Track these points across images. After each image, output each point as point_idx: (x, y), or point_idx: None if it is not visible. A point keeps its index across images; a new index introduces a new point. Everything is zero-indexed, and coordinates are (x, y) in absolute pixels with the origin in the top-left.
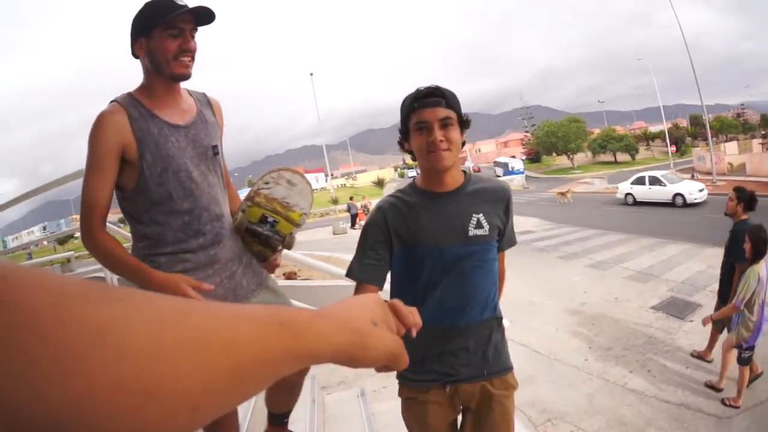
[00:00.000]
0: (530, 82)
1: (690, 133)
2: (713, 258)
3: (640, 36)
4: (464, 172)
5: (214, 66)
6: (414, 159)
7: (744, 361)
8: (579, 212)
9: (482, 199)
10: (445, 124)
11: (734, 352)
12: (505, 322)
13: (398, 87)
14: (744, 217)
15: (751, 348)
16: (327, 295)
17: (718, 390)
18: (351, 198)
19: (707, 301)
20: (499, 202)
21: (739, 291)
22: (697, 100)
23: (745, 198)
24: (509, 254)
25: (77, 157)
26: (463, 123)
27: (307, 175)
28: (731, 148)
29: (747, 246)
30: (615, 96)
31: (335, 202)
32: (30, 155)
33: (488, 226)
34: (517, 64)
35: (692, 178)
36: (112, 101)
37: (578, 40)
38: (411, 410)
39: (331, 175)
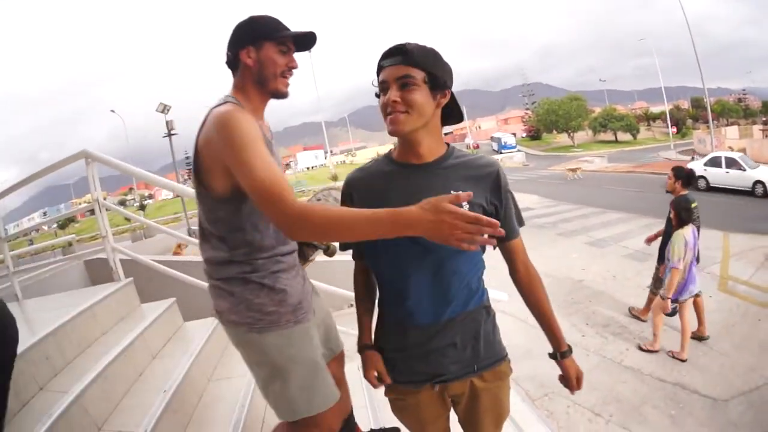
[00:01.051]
0: (531, 59)
1: (691, 115)
2: (711, 240)
3: (642, 18)
4: (447, 144)
5: (211, 38)
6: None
7: (671, 314)
8: (581, 190)
9: (464, 175)
10: (404, 84)
11: (689, 320)
12: (503, 295)
13: None
14: (683, 192)
15: (675, 301)
16: (328, 268)
17: (654, 351)
18: None
19: (705, 282)
20: (483, 179)
21: (672, 254)
22: (699, 83)
23: (683, 175)
24: None
25: (75, 144)
26: (435, 83)
27: (307, 153)
28: (732, 132)
29: (672, 215)
30: (616, 76)
31: (335, 178)
32: (28, 143)
33: (467, 206)
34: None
35: (692, 160)
36: (225, 102)
37: (580, 18)
38: (400, 409)
39: (331, 152)
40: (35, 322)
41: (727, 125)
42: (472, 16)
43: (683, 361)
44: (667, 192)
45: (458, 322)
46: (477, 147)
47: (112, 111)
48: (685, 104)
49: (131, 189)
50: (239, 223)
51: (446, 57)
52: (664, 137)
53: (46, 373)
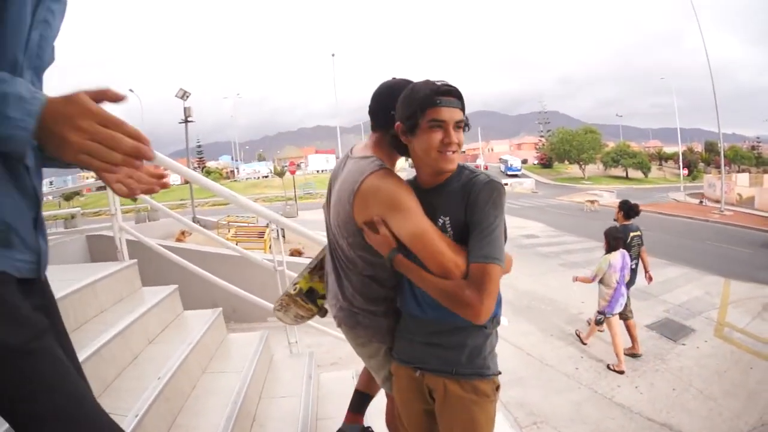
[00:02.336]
0: (550, 87)
1: (704, 158)
2: (712, 285)
3: (665, 56)
4: (462, 166)
5: (236, 32)
6: (401, 152)
7: (597, 322)
8: (589, 224)
9: (455, 199)
10: (458, 126)
11: (620, 334)
12: (503, 321)
13: (416, 76)
14: (626, 222)
15: (603, 313)
16: None
17: (584, 344)
18: None
19: (702, 327)
20: (467, 196)
21: (594, 271)
22: (714, 127)
23: (625, 208)
24: (515, 257)
25: None
26: (467, 126)
27: (318, 156)
28: (742, 179)
29: (604, 242)
30: (633, 112)
31: None
32: None
33: (452, 232)
34: (539, 67)
35: (701, 204)
36: (378, 168)
37: (603, 51)
38: (393, 383)
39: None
40: None
41: (739, 172)
42: (495, 37)
43: (621, 373)
44: (614, 220)
45: (448, 328)
46: (486, 168)
47: (131, 90)
48: (699, 147)
49: None
50: (385, 280)
51: (465, 76)
52: (675, 178)
53: None
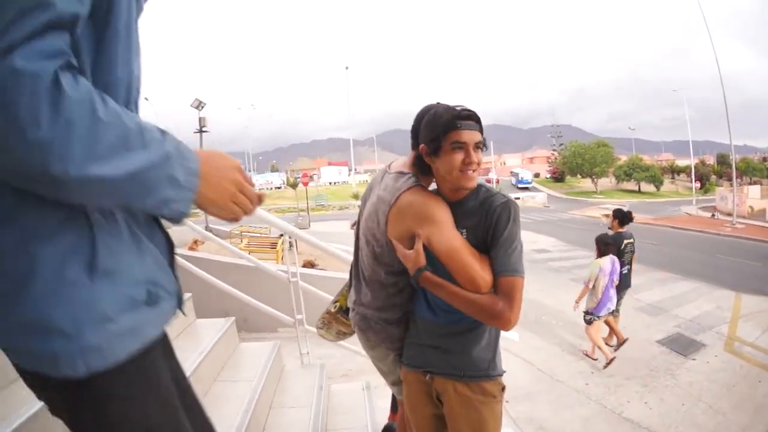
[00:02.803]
0: (562, 100)
1: (716, 171)
2: (723, 299)
3: (677, 68)
4: (479, 185)
5: (251, 43)
6: (423, 172)
7: (587, 322)
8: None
9: (473, 214)
10: (477, 147)
11: (597, 332)
12: (514, 336)
13: (430, 90)
14: (620, 230)
15: (591, 314)
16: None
17: (593, 359)
18: None
19: (712, 341)
20: (485, 215)
21: (587, 275)
22: (725, 139)
23: (619, 216)
24: (526, 271)
25: None
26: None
27: (331, 168)
28: (754, 191)
29: (596, 248)
30: (646, 124)
31: (356, 197)
32: None
33: (474, 242)
34: (551, 81)
35: (713, 217)
36: (412, 185)
37: (616, 64)
38: (403, 389)
39: (354, 170)
40: None
41: (751, 184)
42: (507, 51)
43: (595, 359)
44: (609, 228)
45: (453, 331)
46: (498, 182)
47: (146, 99)
48: (711, 160)
49: None
50: (404, 286)
51: (478, 90)
52: (687, 192)
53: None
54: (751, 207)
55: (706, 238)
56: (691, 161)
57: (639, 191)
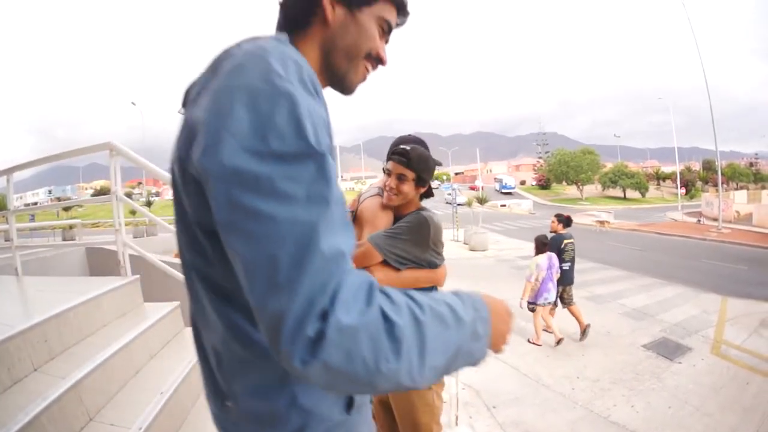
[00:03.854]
0: (548, 108)
1: (701, 177)
2: (709, 303)
3: (663, 75)
4: (418, 208)
5: (222, 40)
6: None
7: (530, 311)
8: (583, 244)
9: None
10: (399, 178)
11: (540, 320)
12: None
13: (416, 97)
14: (562, 231)
15: (533, 303)
16: None
17: (538, 345)
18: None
19: (698, 345)
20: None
21: (528, 271)
22: (711, 145)
23: (563, 220)
24: (508, 277)
25: (93, 127)
26: (420, 182)
27: None
28: (740, 196)
29: (534, 247)
30: (632, 131)
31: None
32: (45, 117)
33: None
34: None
35: (698, 222)
36: None
37: (601, 72)
38: None
39: (341, 177)
40: (36, 302)
41: (737, 189)
42: (493, 58)
43: (539, 345)
44: (551, 231)
45: None
46: (482, 188)
47: (133, 103)
48: (697, 166)
49: (140, 183)
50: None
51: (464, 97)
52: (673, 197)
53: (43, 355)
54: (737, 212)
55: (691, 243)
56: (677, 167)
57: (624, 198)
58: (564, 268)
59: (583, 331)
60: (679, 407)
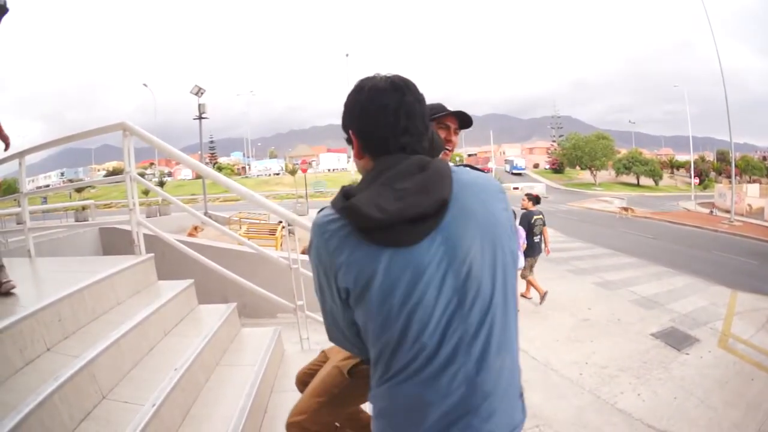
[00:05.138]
0: (564, 91)
1: (715, 168)
2: (718, 296)
3: (679, 63)
4: None
5: (250, 30)
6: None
7: None
8: (596, 229)
9: None
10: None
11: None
12: None
13: (428, 77)
14: (532, 208)
15: None
16: None
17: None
18: None
19: (706, 337)
20: None
21: None
22: (726, 136)
23: (533, 198)
24: None
25: (104, 109)
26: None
27: (330, 154)
28: (753, 189)
29: None
30: (647, 118)
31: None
32: (54, 101)
33: None
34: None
35: (711, 213)
36: None
37: (617, 57)
38: None
39: (349, 160)
40: (50, 282)
41: (750, 182)
42: (508, 39)
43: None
44: (522, 209)
45: None
46: (491, 170)
47: (144, 85)
48: (711, 156)
49: (152, 164)
50: None
51: (478, 78)
52: (686, 187)
53: (56, 334)
54: (749, 205)
55: (703, 234)
56: (691, 157)
57: (638, 185)
58: (535, 240)
59: (543, 297)
60: (685, 398)
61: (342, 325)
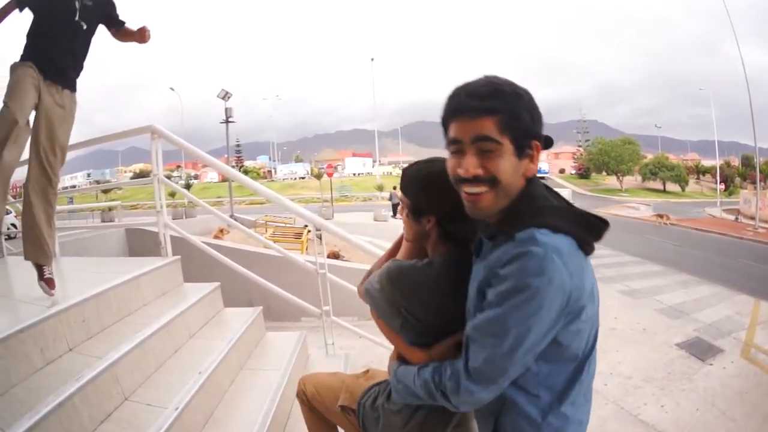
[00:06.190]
0: (589, 95)
1: (740, 173)
2: (744, 305)
3: (704, 66)
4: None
5: (276, 34)
6: None
7: None
8: (621, 236)
9: None
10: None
11: None
12: None
13: (453, 82)
14: None
15: None
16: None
17: None
18: (394, 188)
19: (730, 347)
20: None
21: None
22: (750, 140)
23: None
24: None
25: (133, 113)
26: (416, 214)
27: (355, 159)
28: None
29: None
30: (673, 122)
31: (380, 188)
32: (83, 103)
33: None
34: (577, 75)
35: (736, 220)
36: None
37: (643, 60)
38: None
39: (379, 161)
40: (75, 282)
41: None
42: (533, 43)
43: None
44: None
45: None
46: None
47: (171, 89)
48: (736, 161)
49: (179, 166)
50: None
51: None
52: (712, 193)
53: (80, 335)
54: None
55: (728, 242)
56: (717, 162)
57: (664, 190)
58: None
59: None
60: (706, 410)
61: (527, 359)
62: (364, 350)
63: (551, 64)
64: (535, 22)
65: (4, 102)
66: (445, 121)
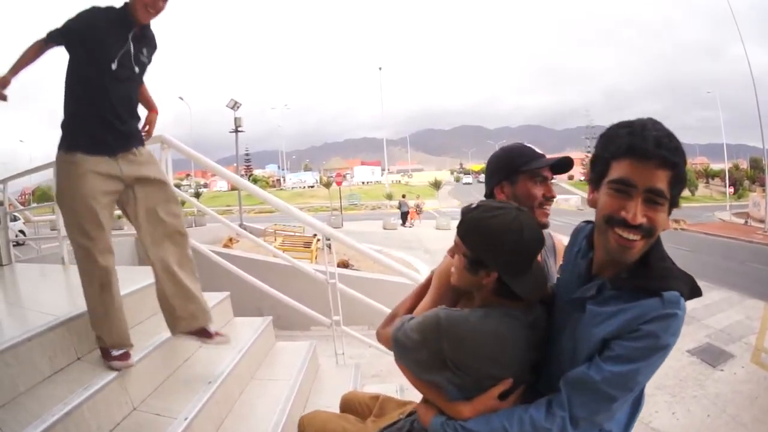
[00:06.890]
0: (596, 101)
1: (749, 176)
2: (754, 309)
3: (711, 68)
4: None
5: (285, 43)
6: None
7: None
8: None
9: None
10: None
11: None
12: None
13: (463, 90)
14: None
15: None
16: (379, 287)
17: None
18: (403, 196)
19: (741, 352)
20: None
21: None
22: (759, 142)
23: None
24: None
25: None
26: (473, 266)
27: (364, 167)
28: None
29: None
30: (681, 126)
31: (389, 197)
32: None
33: None
34: (583, 81)
35: (745, 224)
36: None
37: (649, 63)
38: None
39: (387, 170)
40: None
41: None
42: (540, 51)
43: None
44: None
45: None
46: None
47: (180, 98)
48: (744, 164)
49: (188, 175)
50: None
51: (510, 90)
52: (721, 197)
53: (88, 343)
54: None
55: (738, 246)
56: (725, 165)
57: None
58: None
59: None
60: (717, 416)
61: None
62: (373, 359)
63: (558, 70)
64: (541, 28)
65: (71, 238)
66: (613, 156)
